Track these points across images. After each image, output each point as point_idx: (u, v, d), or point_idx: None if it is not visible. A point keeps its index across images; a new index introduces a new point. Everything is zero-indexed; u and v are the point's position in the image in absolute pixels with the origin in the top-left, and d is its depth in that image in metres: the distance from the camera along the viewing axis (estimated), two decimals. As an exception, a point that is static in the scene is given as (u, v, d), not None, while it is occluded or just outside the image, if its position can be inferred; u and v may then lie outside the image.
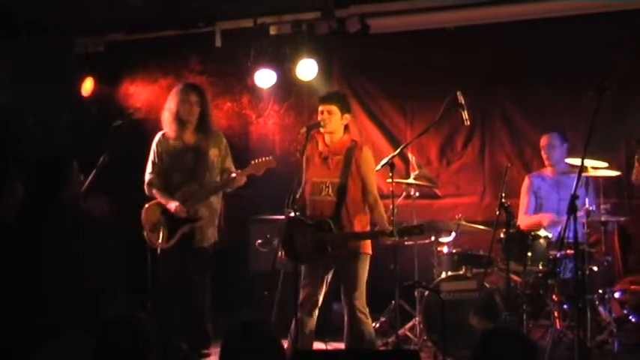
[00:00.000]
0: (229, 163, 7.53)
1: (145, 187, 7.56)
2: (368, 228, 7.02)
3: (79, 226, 5.22)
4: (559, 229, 7.41)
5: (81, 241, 5.14)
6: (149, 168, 7.58)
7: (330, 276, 7.03)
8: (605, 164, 7.72)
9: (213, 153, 7.49)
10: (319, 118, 6.99)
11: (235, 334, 3.80)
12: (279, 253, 6.84)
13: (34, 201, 5.25)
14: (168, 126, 7.54)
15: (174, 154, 7.52)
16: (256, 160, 7.35)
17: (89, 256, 5.12)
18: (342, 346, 7.58)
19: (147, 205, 7.53)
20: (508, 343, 3.53)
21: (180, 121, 7.49)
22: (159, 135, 7.61)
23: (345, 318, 6.94)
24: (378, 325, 8.06)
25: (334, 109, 6.96)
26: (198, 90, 7.67)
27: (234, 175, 7.38)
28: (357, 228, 6.87)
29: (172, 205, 7.34)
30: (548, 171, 8.38)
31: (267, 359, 3.74)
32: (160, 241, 7.32)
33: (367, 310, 6.92)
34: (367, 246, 6.95)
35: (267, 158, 7.36)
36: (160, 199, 7.45)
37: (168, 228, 7.35)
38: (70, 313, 4.72)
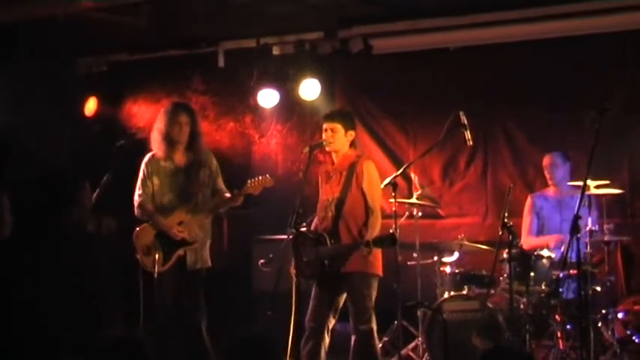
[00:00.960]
0: (221, 184, 7.42)
1: (136, 208, 7.39)
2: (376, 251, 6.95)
3: (83, 247, 5.22)
4: (562, 249, 7.40)
5: (83, 262, 5.14)
6: (139, 189, 7.40)
7: (341, 301, 7.01)
8: (608, 182, 7.74)
9: (203, 173, 7.37)
10: (323, 136, 7.03)
11: (239, 348, 3.79)
12: (292, 271, 6.86)
13: (39, 218, 5.24)
14: (157, 146, 7.39)
15: (164, 175, 7.39)
16: (253, 180, 7.26)
17: (90, 278, 5.11)
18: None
19: (138, 228, 7.39)
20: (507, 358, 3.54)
21: (170, 141, 7.35)
22: (148, 156, 7.46)
23: (352, 337, 6.92)
24: (380, 345, 8.02)
25: (338, 126, 6.99)
26: (188, 110, 7.53)
27: (228, 195, 7.29)
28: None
29: (173, 230, 7.20)
30: (550, 191, 8.37)
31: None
32: (155, 265, 7.21)
33: (374, 330, 6.90)
34: (376, 267, 6.92)
35: (263, 177, 7.27)
36: (156, 219, 7.31)
37: (164, 251, 7.24)
38: (69, 334, 4.71)
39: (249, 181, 7.23)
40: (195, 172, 7.36)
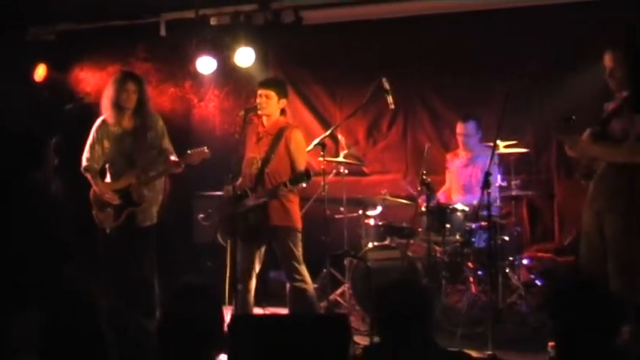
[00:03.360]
0: (167, 144, 7.26)
1: (82, 170, 7.26)
2: (295, 202, 6.95)
3: (47, 207, 5.09)
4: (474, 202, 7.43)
5: (48, 221, 5.02)
6: (86, 153, 7.27)
7: (262, 251, 6.96)
8: (515, 142, 7.78)
9: (150, 135, 7.22)
10: (257, 101, 6.90)
11: (178, 294, 3.73)
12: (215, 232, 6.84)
13: (3, 179, 5.08)
14: (107, 113, 7.22)
15: (114, 139, 7.23)
16: (191, 151, 7.11)
17: (53, 235, 5.00)
18: (279, 310, 7.57)
19: (93, 189, 7.25)
20: (404, 290, 3.54)
21: (118, 107, 7.18)
22: (99, 120, 7.30)
23: (287, 285, 6.89)
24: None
25: (272, 93, 6.89)
26: (135, 78, 7.36)
27: (173, 158, 7.15)
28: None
29: (106, 195, 7.13)
30: (462, 153, 8.39)
31: (208, 319, 3.64)
32: (107, 221, 7.15)
33: (307, 276, 6.86)
34: (292, 220, 6.87)
35: (201, 150, 7.11)
36: (95, 185, 7.20)
37: (115, 209, 7.16)
38: (35, 289, 4.61)
39: (188, 152, 7.09)
40: (142, 136, 7.19)
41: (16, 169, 5.10)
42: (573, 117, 6.30)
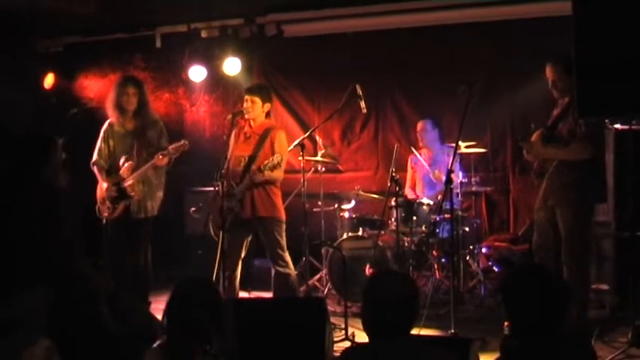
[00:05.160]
0: (165, 143, 7.18)
1: (91, 165, 7.23)
2: (279, 195, 6.95)
3: (56, 200, 5.08)
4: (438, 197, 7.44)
5: (55, 212, 5.00)
6: (96, 150, 7.24)
7: (248, 241, 6.95)
8: (474, 143, 7.82)
9: (150, 135, 7.16)
10: (244, 106, 6.90)
11: (183, 287, 3.75)
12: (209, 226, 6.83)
13: (17, 174, 5.07)
14: (111, 114, 7.19)
15: (117, 138, 7.18)
16: (173, 145, 7.01)
17: (60, 225, 4.99)
18: (263, 294, 7.56)
19: (99, 183, 7.22)
20: (394, 280, 3.52)
21: (120, 109, 7.13)
22: (106, 123, 7.25)
23: (272, 271, 6.87)
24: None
25: (257, 99, 6.88)
26: (135, 82, 7.32)
27: (159, 154, 7.01)
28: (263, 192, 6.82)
29: (104, 185, 7.10)
30: (423, 152, 8.40)
31: (210, 309, 3.67)
32: (105, 213, 7.11)
33: (290, 263, 6.86)
34: (278, 211, 6.88)
35: (180, 143, 7.02)
36: (99, 177, 7.17)
37: (112, 202, 7.10)
38: (42, 271, 4.60)
39: (169, 147, 7.06)
40: (141, 136, 7.12)
41: (28, 165, 5.10)
42: (532, 125, 6.38)
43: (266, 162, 6.53)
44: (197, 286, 3.75)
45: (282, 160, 6.60)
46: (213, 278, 6.74)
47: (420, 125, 8.31)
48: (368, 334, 3.49)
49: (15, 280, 4.53)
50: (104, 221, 7.13)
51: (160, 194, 7.27)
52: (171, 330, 3.65)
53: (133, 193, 7.03)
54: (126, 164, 7.07)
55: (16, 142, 5.27)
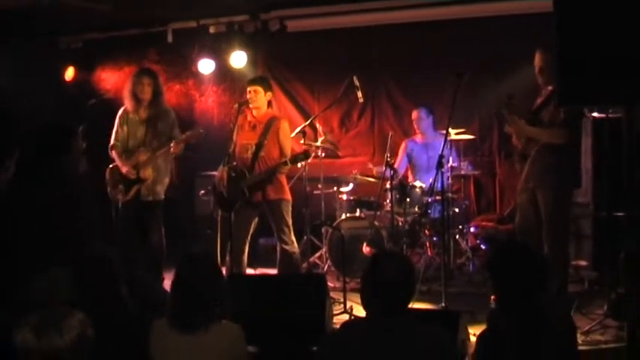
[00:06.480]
0: (176, 133, 7.17)
1: (109, 149, 7.21)
2: (284, 178, 6.96)
3: (76, 186, 5.09)
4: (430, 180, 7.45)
5: (76, 198, 5.01)
6: (113, 135, 7.21)
7: (255, 221, 6.98)
8: (464, 130, 7.82)
9: (162, 124, 7.14)
10: (247, 97, 6.91)
11: (184, 261, 3.81)
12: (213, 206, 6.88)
13: (38, 161, 5.07)
14: (127, 102, 7.18)
15: (131, 125, 7.16)
16: (187, 133, 7.05)
17: (81, 210, 5.00)
18: (268, 271, 7.59)
19: (110, 167, 7.18)
20: (393, 261, 3.53)
21: (136, 98, 7.12)
22: (121, 109, 7.25)
23: (278, 248, 6.89)
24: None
25: (259, 89, 6.89)
26: (150, 73, 7.32)
27: (172, 142, 7.04)
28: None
29: (125, 169, 7.07)
30: (418, 137, 8.38)
31: (209, 280, 3.73)
32: (119, 196, 7.10)
33: (295, 242, 6.88)
34: (286, 193, 6.90)
35: (196, 130, 7.11)
36: (117, 160, 7.14)
37: (125, 185, 7.07)
38: (59, 253, 4.60)
39: (184, 135, 7.04)
40: (154, 124, 7.11)
41: (50, 153, 5.10)
42: (512, 96, 6.38)
43: (296, 154, 6.60)
44: (197, 260, 3.80)
45: (309, 154, 6.65)
46: (218, 255, 6.80)
47: (415, 113, 8.28)
48: (367, 311, 3.51)
49: (36, 263, 4.53)
50: (119, 205, 7.11)
51: (167, 179, 7.27)
52: (176, 300, 3.72)
53: (145, 177, 7.04)
54: (141, 149, 7.08)
55: (37, 131, 5.28)
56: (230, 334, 3.70)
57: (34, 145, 5.21)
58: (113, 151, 7.20)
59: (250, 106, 6.88)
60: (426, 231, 7.70)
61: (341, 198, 8.21)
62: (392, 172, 7.48)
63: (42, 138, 5.20)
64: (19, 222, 4.79)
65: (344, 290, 6.45)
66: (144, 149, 7.07)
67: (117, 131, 7.24)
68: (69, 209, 4.93)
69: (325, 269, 7.90)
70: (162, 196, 7.20)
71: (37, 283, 4.26)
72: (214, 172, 7.10)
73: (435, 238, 7.67)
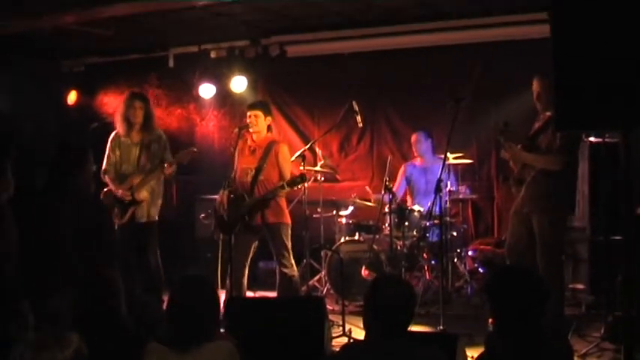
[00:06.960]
0: (168, 155, 7.17)
1: (101, 174, 7.15)
2: (283, 201, 6.94)
3: (90, 204, 5.12)
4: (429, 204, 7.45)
5: (88, 214, 5.03)
6: (105, 160, 7.19)
7: (255, 244, 6.96)
8: (462, 155, 7.83)
9: (154, 147, 7.15)
10: (247, 121, 6.91)
11: (177, 284, 3.82)
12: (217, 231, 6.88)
13: (58, 179, 5.08)
14: (119, 126, 7.18)
15: (123, 148, 7.16)
16: (181, 152, 7.07)
17: (92, 228, 5.03)
18: (268, 294, 7.56)
19: (105, 190, 7.16)
20: (393, 285, 3.54)
21: (128, 122, 7.13)
22: (113, 133, 7.25)
23: (277, 271, 6.87)
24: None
25: (259, 113, 6.89)
26: (141, 97, 7.31)
27: (165, 164, 7.06)
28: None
29: (119, 192, 7.06)
30: (417, 161, 8.40)
31: (203, 301, 3.73)
32: (115, 219, 7.08)
33: (294, 265, 6.87)
34: (285, 217, 6.89)
35: (189, 149, 7.10)
36: (111, 185, 7.13)
37: (120, 208, 7.07)
38: (72, 274, 4.61)
39: (177, 154, 7.06)
40: (146, 147, 7.12)
41: (64, 172, 5.12)
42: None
43: (293, 178, 6.57)
44: (193, 282, 3.82)
45: (305, 178, 6.64)
46: (219, 278, 6.78)
47: (414, 137, 8.29)
48: (368, 333, 3.51)
49: (51, 282, 4.54)
50: (116, 227, 7.12)
51: (160, 201, 7.27)
52: (170, 320, 3.75)
53: (140, 199, 7.05)
54: (134, 172, 7.09)
55: (55, 150, 5.30)
56: (223, 352, 3.69)
57: (48, 164, 5.24)
58: (106, 176, 7.20)
59: (250, 130, 6.89)
60: (425, 254, 7.70)
61: (340, 221, 8.22)
62: (391, 195, 7.48)
63: (58, 157, 5.22)
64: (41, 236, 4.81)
65: (343, 313, 6.44)
66: (137, 172, 7.08)
67: (109, 155, 7.24)
68: (80, 230, 4.95)
69: (324, 292, 7.89)
70: (157, 218, 7.20)
71: (49, 303, 4.28)
72: (215, 196, 7.10)
73: (433, 262, 7.66)
